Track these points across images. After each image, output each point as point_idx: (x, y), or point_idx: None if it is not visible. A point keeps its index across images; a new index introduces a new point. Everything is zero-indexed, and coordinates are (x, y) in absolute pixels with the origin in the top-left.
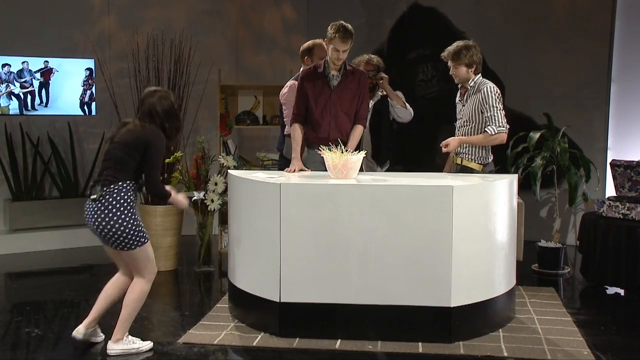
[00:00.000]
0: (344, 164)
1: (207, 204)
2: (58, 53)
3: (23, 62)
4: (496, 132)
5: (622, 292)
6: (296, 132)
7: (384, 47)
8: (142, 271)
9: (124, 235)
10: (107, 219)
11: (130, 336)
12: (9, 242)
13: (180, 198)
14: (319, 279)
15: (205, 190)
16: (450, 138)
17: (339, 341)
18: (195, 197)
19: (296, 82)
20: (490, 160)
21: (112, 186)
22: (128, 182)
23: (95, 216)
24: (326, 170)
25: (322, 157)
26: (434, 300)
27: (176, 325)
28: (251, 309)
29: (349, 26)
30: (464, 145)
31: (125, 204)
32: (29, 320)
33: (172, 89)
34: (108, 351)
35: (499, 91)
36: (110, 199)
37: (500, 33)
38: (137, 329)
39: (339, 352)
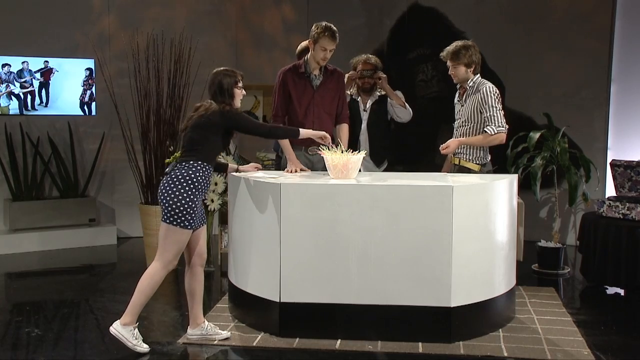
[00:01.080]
0: (345, 164)
1: (207, 204)
2: (58, 53)
3: (23, 62)
4: (496, 132)
5: (622, 292)
6: None
7: (384, 47)
8: (162, 252)
9: (171, 206)
10: (165, 189)
11: (137, 330)
12: (9, 242)
13: (312, 131)
14: (319, 279)
15: None
16: (449, 140)
17: (339, 341)
18: None
19: None
20: (488, 160)
21: (183, 164)
22: (200, 162)
23: (161, 187)
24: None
25: (307, 159)
26: (434, 300)
27: (176, 325)
28: (251, 309)
29: (333, 26)
30: (462, 145)
31: (189, 181)
32: (29, 320)
33: (172, 89)
34: (111, 327)
35: (497, 91)
36: (178, 173)
37: (500, 33)
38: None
39: (339, 352)
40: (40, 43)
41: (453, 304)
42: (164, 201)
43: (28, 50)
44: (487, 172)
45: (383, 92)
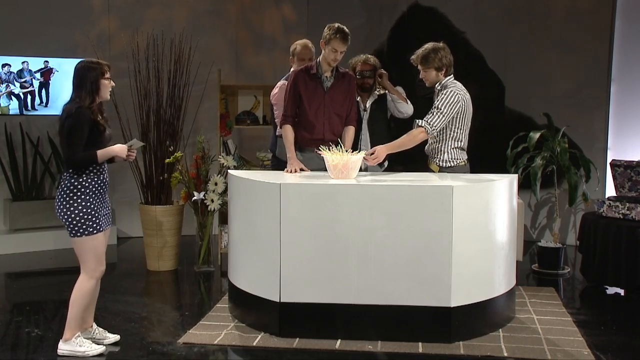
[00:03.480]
0: (345, 164)
1: (207, 204)
2: (58, 53)
3: (23, 62)
4: (420, 124)
5: (622, 292)
6: (289, 133)
7: (384, 47)
8: (82, 264)
9: (68, 220)
10: (58, 204)
11: (80, 338)
12: (9, 242)
13: (115, 149)
14: (319, 279)
15: (205, 190)
16: (377, 146)
17: (339, 341)
18: (195, 197)
19: (286, 82)
20: (459, 163)
21: (66, 174)
22: (71, 170)
23: (55, 203)
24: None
25: (319, 159)
26: (434, 300)
27: (176, 325)
28: (251, 309)
29: (346, 28)
30: (430, 145)
31: (75, 190)
32: (29, 320)
33: (172, 89)
34: (58, 350)
35: (459, 99)
36: (63, 185)
37: (500, 33)
38: (137, 329)
39: (339, 352)
40: (40, 43)
41: (453, 304)
42: (61, 217)
43: (28, 50)
44: (464, 173)
45: (382, 91)
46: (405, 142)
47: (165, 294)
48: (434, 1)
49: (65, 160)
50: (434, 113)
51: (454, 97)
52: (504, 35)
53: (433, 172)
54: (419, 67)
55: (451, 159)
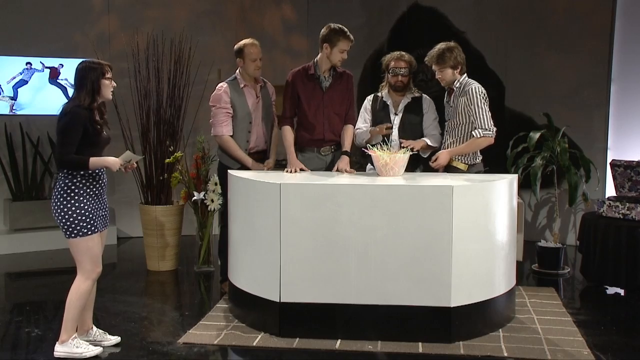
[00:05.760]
0: (395, 161)
1: (207, 204)
2: (58, 53)
3: (27, 63)
4: (482, 135)
5: (622, 292)
6: (289, 134)
7: (384, 47)
8: (78, 265)
9: (62, 221)
10: (53, 205)
11: (77, 339)
12: (9, 242)
13: (109, 161)
14: (319, 279)
15: (205, 190)
16: (439, 152)
17: (339, 341)
18: (195, 197)
19: (226, 85)
20: (478, 160)
21: (61, 174)
22: (66, 171)
23: (51, 205)
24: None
25: (319, 159)
26: (434, 300)
27: (176, 325)
28: (251, 309)
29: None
30: (453, 144)
31: (69, 191)
32: (29, 320)
33: (172, 89)
34: (55, 352)
35: (484, 91)
36: (58, 186)
37: (500, 33)
38: (137, 329)
39: (339, 352)
40: (40, 43)
41: (453, 304)
42: (56, 218)
43: (28, 50)
44: (478, 172)
45: (417, 94)
46: (469, 149)
47: (165, 294)
48: (434, 1)
49: (56, 158)
50: (482, 117)
51: (482, 91)
52: (504, 35)
53: (462, 171)
54: (434, 67)
55: (475, 155)
